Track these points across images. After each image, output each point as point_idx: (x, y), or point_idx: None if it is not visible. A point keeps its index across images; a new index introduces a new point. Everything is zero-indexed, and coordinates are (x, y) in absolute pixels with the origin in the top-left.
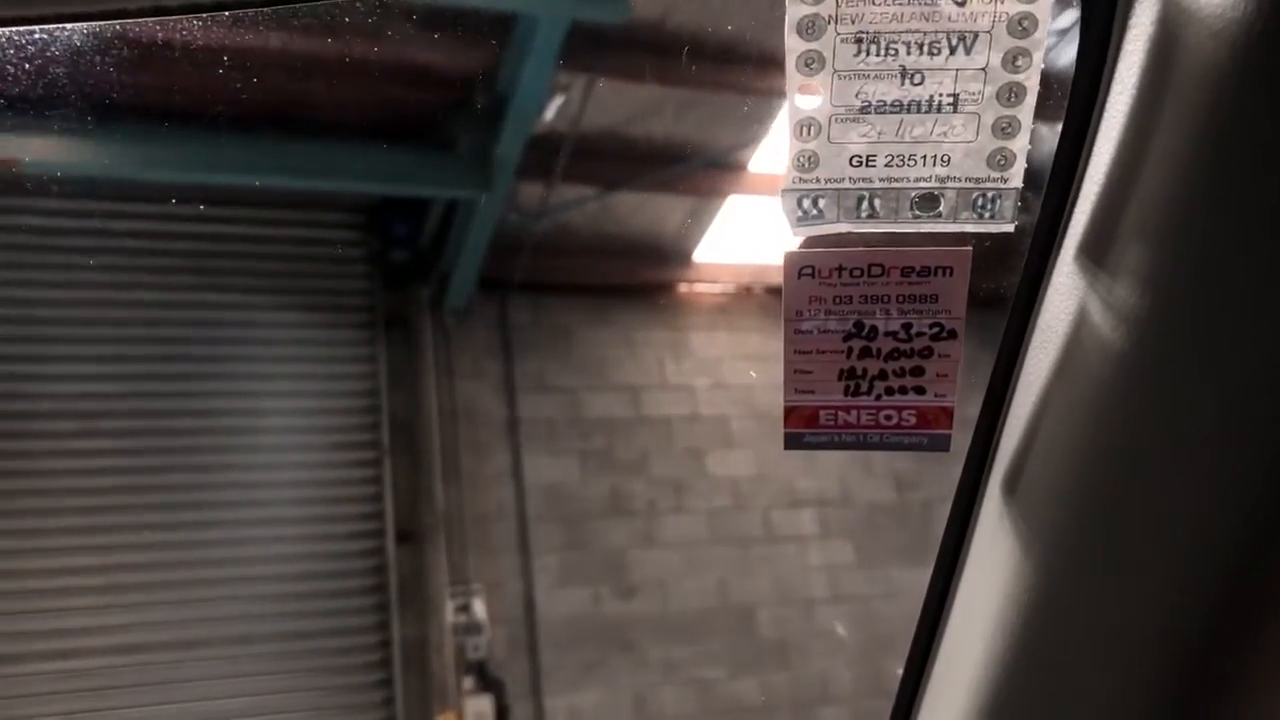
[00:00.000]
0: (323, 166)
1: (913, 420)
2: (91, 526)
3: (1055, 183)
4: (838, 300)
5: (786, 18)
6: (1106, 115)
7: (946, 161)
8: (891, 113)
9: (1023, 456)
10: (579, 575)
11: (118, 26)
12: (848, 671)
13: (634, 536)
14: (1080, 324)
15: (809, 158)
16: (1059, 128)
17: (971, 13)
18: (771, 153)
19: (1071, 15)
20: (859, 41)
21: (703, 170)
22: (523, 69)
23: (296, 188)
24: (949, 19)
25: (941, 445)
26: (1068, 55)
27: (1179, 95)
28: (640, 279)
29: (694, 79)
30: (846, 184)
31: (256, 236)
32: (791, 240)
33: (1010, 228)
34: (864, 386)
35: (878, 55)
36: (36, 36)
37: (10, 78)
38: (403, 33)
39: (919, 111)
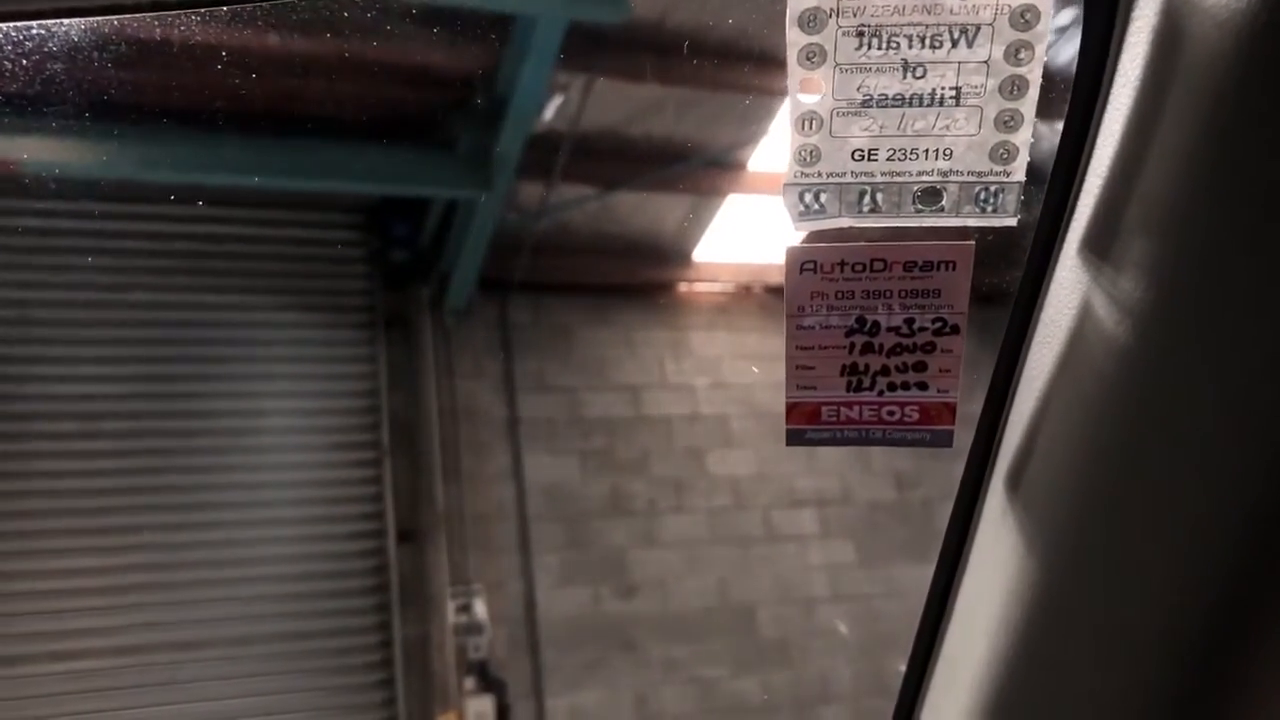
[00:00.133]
0: (322, 166)
1: (915, 416)
2: (92, 528)
3: (1058, 177)
4: (840, 295)
5: (787, 11)
6: (1109, 108)
7: (949, 155)
8: (893, 106)
9: (1025, 453)
10: (580, 575)
11: (115, 23)
12: (849, 670)
13: (634, 536)
14: (1083, 319)
15: (810, 152)
16: (1059, 124)
17: (974, 5)
18: (771, 151)
19: (1072, 12)
20: (860, 35)
21: (702, 169)
22: (522, 68)
23: (296, 188)
24: (951, 12)
25: (944, 441)
26: (1068, 53)
27: (1182, 88)
28: (640, 278)
29: (693, 78)
30: (848, 178)
31: (256, 237)
32: (792, 236)
33: (1013, 221)
34: (866, 382)
35: (879, 48)
36: (34, 34)
37: (8, 77)
38: (402, 32)
39: (921, 105)
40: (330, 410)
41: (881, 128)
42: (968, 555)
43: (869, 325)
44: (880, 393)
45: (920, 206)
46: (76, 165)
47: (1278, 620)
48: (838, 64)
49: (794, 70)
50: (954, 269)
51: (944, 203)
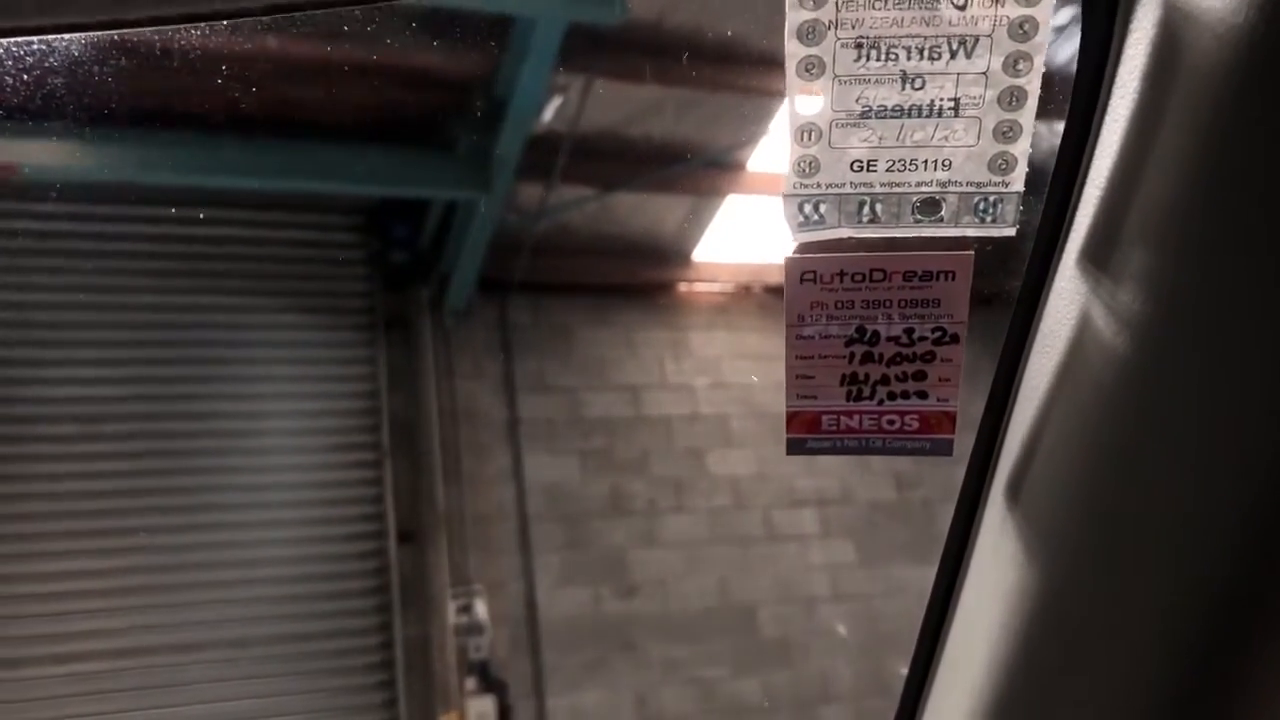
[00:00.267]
0: (322, 168)
1: (915, 425)
2: (92, 530)
3: (1056, 186)
4: (839, 305)
5: (786, 23)
6: (1108, 119)
7: (948, 166)
8: (892, 117)
9: (1025, 461)
10: (580, 575)
11: (115, 33)
12: (849, 670)
13: (635, 536)
14: (1082, 328)
15: (809, 163)
16: (1057, 124)
17: (972, 17)
18: (770, 152)
19: (1070, 11)
20: (859, 46)
21: (701, 170)
22: (521, 70)
23: (296, 189)
24: (949, 23)
25: (944, 450)
26: (1066, 51)
27: (1180, 99)
28: (640, 279)
29: (692, 79)
30: (847, 189)
31: (256, 239)
32: (791, 244)
33: (1012, 232)
34: (866, 391)
35: (878, 60)
36: (34, 43)
37: (8, 83)
38: (401, 35)
39: (920, 116)
40: (330, 411)
41: (880, 139)
42: (968, 562)
43: (869, 335)
44: (880, 402)
45: (919, 217)
46: (77, 168)
47: (1277, 623)
48: (836, 76)
49: (793, 81)
50: (953, 279)
51: (943, 213)
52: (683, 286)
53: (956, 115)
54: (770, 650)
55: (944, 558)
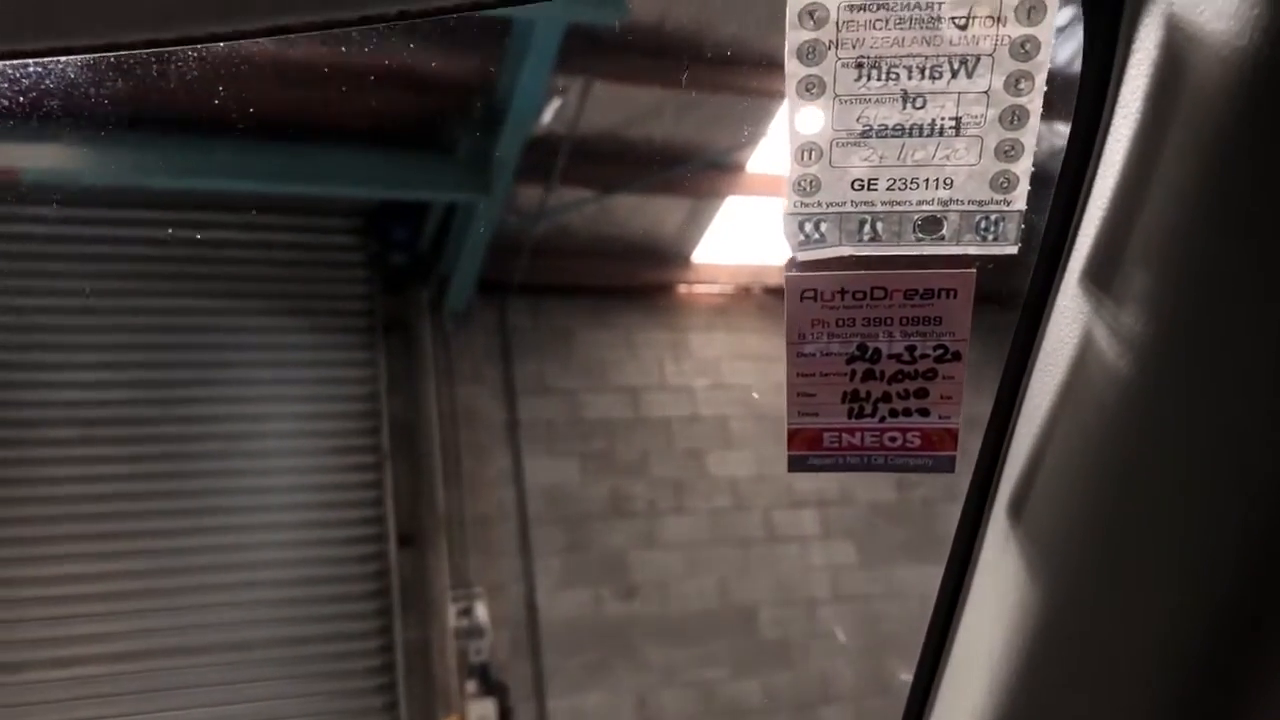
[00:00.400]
0: (321, 171)
1: (917, 442)
2: (93, 533)
3: (1059, 206)
4: (840, 323)
5: (786, 43)
6: (1110, 139)
7: (949, 184)
8: (893, 136)
9: (1028, 478)
10: (580, 577)
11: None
12: (850, 671)
13: (635, 538)
14: (1084, 348)
15: (810, 182)
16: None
17: (973, 36)
18: (769, 154)
19: (1071, 11)
20: (860, 66)
21: (701, 171)
22: (520, 72)
23: (295, 192)
24: (950, 43)
25: (946, 467)
26: (1066, 51)
27: (1183, 121)
28: (639, 280)
29: (692, 80)
30: (848, 207)
31: (256, 242)
32: (792, 260)
33: (1014, 250)
34: (868, 409)
35: (879, 79)
36: None
37: (7, 87)
38: (400, 37)
39: (921, 135)
40: (330, 414)
41: (881, 158)
42: (970, 579)
43: (870, 352)
44: (882, 419)
45: (921, 235)
46: (76, 172)
47: (1277, 643)
48: (837, 95)
49: (793, 101)
50: (955, 296)
51: (945, 231)
52: (682, 288)
53: (958, 134)
54: (771, 651)
55: (946, 574)
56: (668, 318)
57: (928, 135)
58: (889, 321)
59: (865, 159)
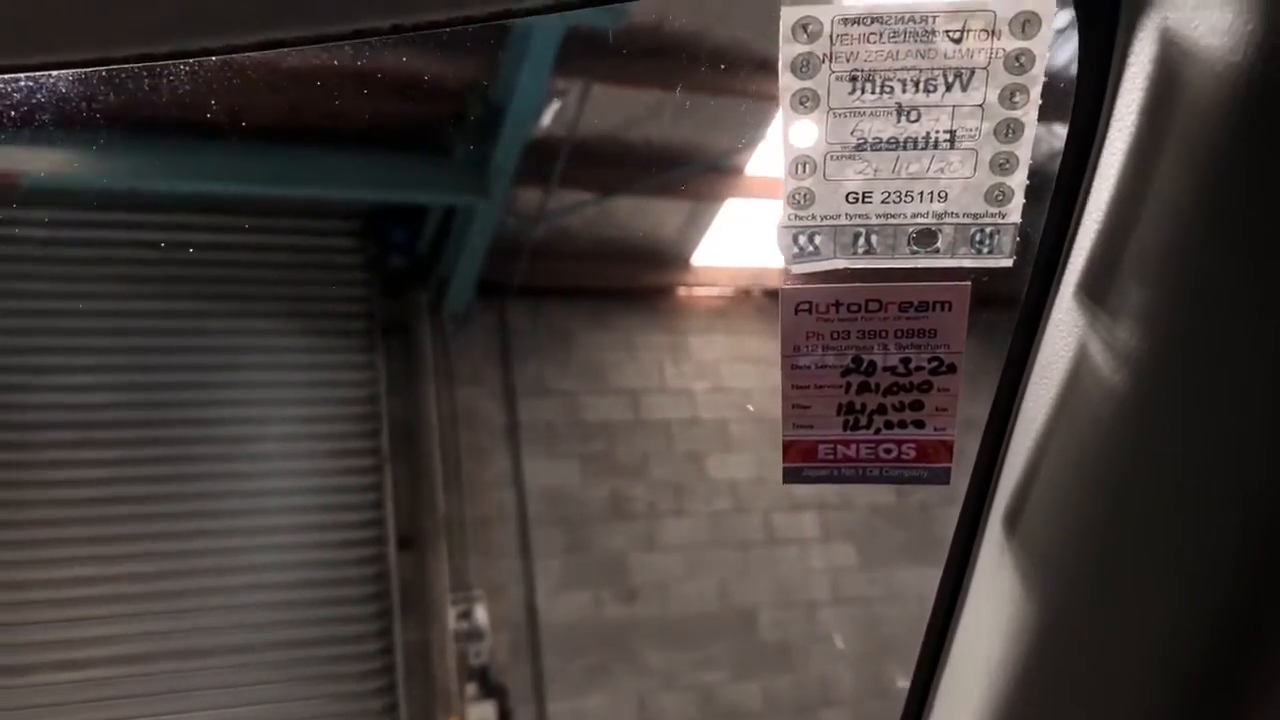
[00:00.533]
0: (320, 174)
1: (912, 454)
2: (92, 536)
3: (1054, 218)
4: (835, 336)
5: (780, 57)
6: (1105, 153)
7: (944, 197)
8: (888, 149)
9: (1023, 491)
10: (580, 579)
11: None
12: (850, 674)
13: (635, 540)
14: (1080, 361)
15: (804, 195)
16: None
17: (968, 49)
18: (769, 157)
19: (1069, 14)
20: (854, 79)
21: (700, 174)
22: (520, 74)
23: (294, 195)
24: (945, 56)
25: (941, 478)
26: (1062, 55)
27: (1177, 135)
28: (639, 283)
29: (691, 83)
30: (843, 220)
31: (254, 245)
32: (787, 274)
33: (1009, 262)
34: (863, 421)
35: (873, 93)
36: None
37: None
38: (398, 41)
39: (916, 148)
40: (330, 417)
41: (876, 171)
42: (966, 591)
43: (865, 365)
44: (877, 431)
45: (916, 248)
46: (74, 176)
47: (1273, 654)
48: (831, 108)
49: (787, 114)
50: (950, 309)
51: (939, 244)
52: (682, 290)
53: (953, 147)
54: (771, 654)
55: (942, 585)
56: (667, 320)
57: (922, 148)
58: (884, 334)
59: (860, 172)
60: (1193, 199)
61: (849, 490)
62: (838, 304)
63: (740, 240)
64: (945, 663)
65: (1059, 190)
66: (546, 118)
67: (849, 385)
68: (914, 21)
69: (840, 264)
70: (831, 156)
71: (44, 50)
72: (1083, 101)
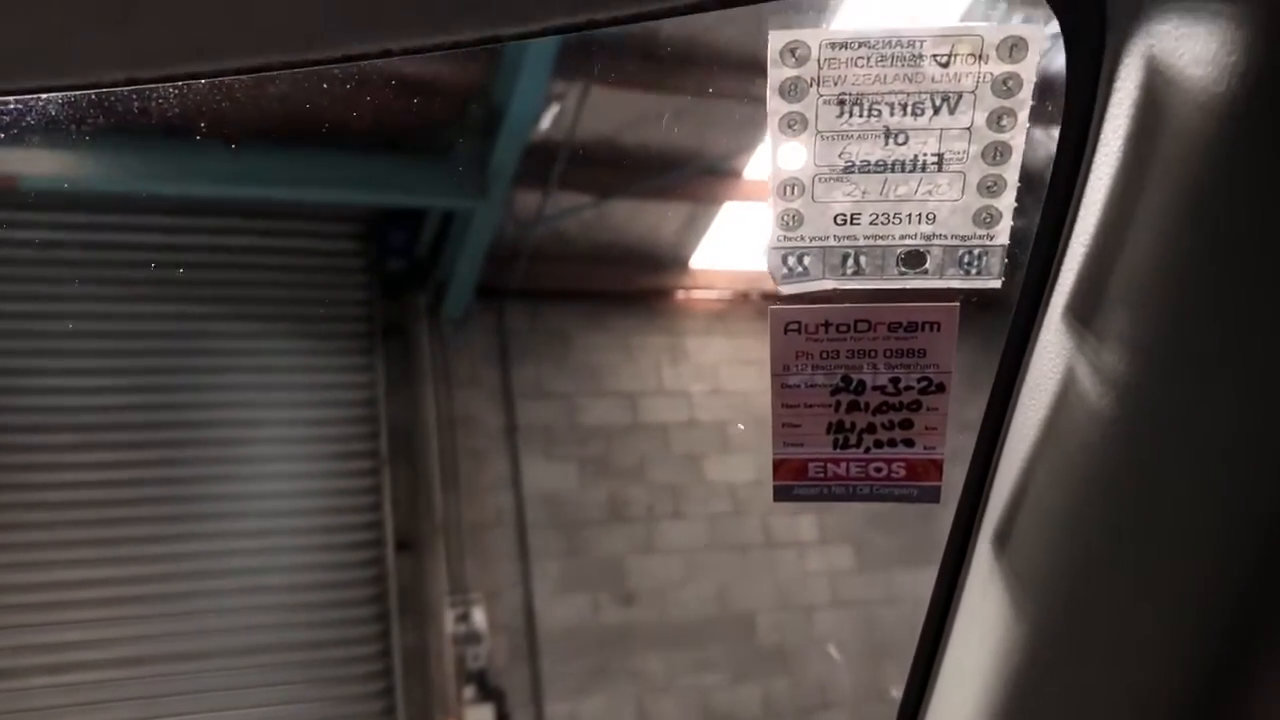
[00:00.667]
0: (320, 177)
1: (902, 472)
2: (90, 539)
3: (1042, 241)
4: (825, 355)
5: (768, 80)
6: (1092, 177)
7: (932, 219)
8: (876, 172)
9: (1011, 513)
10: (578, 582)
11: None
12: (848, 677)
13: (633, 543)
14: (1067, 384)
15: (793, 216)
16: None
17: (955, 74)
18: (768, 160)
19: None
20: (842, 103)
21: (699, 177)
22: (518, 78)
23: (293, 198)
24: (932, 80)
25: (931, 497)
26: (1055, 62)
27: (1162, 162)
28: (637, 285)
29: (689, 86)
30: (831, 241)
31: (253, 247)
32: (777, 294)
33: (997, 284)
34: (853, 439)
35: (861, 116)
36: None
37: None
38: None
39: (904, 170)
40: (328, 419)
41: (864, 193)
42: (955, 613)
43: (855, 384)
44: (867, 450)
45: (904, 269)
46: (73, 178)
47: (1262, 679)
48: (819, 131)
49: (775, 137)
50: (939, 330)
51: (928, 265)
52: (680, 293)
53: (940, 170)
54: (769, 657)
55: (932, 604)
56: (665, 323)
57: (910, 171)
58: (873, 354)
59: (848, 194)
60: (1178, 224)
61: None
62: (827, 324)
63: (738, 243)
64: (936, 678)
65: (1047, 214)
66: (545, 121)
67: (839, 404)
68: (901, 45)
69: (829, 285)
70: (820, 179)
71: (31, 76)
72: (1070, 124)
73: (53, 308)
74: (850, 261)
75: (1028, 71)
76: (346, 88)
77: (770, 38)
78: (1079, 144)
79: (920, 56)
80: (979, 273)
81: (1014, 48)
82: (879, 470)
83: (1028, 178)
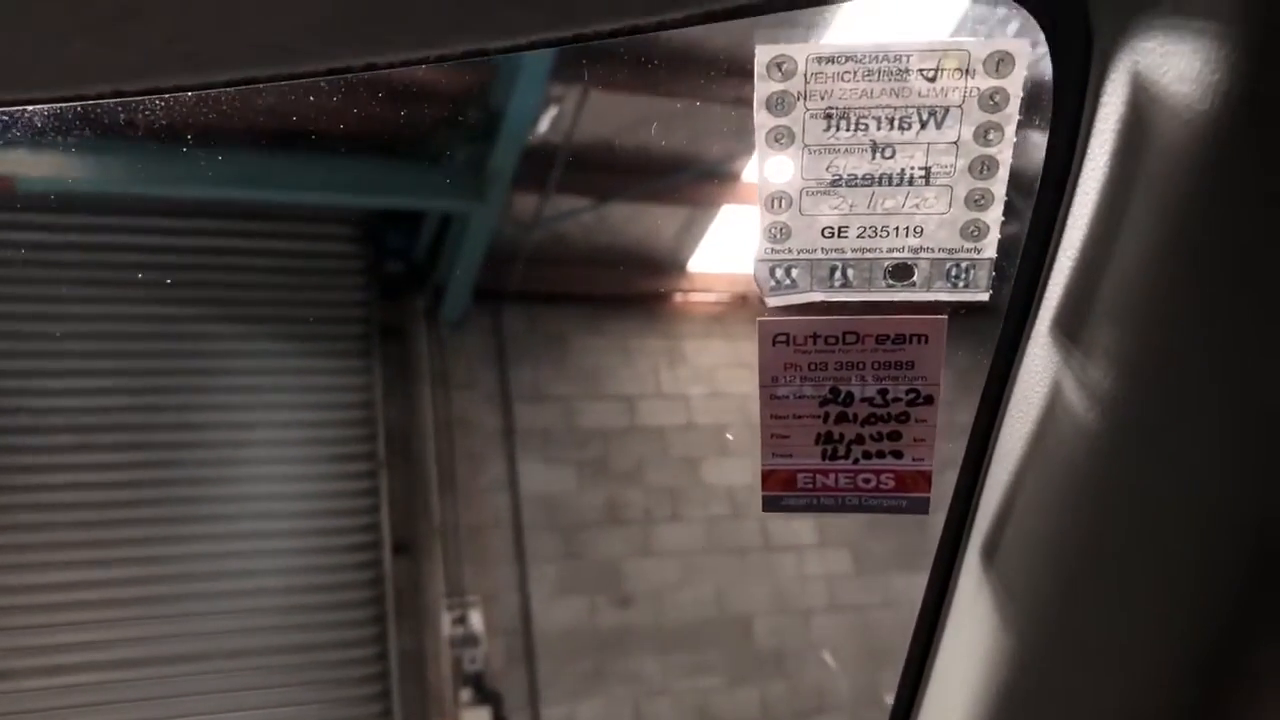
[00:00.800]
0: (318, 180)
1: (891, 483)
2: (86, 540)
3: (1030, 255)
4: (813, 367)
5: (755, 94)
6: (1079, 193)
7: (919, 233)
8: (863, 186)
9: (999, 526)
10: (576, 585)
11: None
12: (845, 680)
13: (630, 546)
14: (1054, 398)
15: (781, 229)
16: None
17: (942, 88)
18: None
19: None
20: (829, 117)
21: (697, 180)
22: (516, 81)
23: (291, 200)
24: (919, 94)
25: (920, 508)
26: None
27: (1148, 178)
28: (635, 288)
29: (687, 89)
30: (819, 254)
31: (251, 249)
32: (766, 307)
33: (985, 297)
34: (841, 450)
35: (848, 130)
36: None
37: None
38: None
39: (891, 184)
40: (325, 422)
41: (851, 206)
42: (944, 622)
43: (843, 396)
44: (855, 461)
45: (891, 282)
46: (70, 180)
47: (1247, 688)
48: (806, 145)
49: (762, 151)
50: (927, 342)
51: (915, 278)
52: (678, 296)
53: (928, 183)
54: (766, 660)
55: (920, 616)
56: (663, 326)
57: (897, 184)
58: (861, 366)
59: (835, 207)
60: (1162, 240)
61: None
62: (815, 336)
63: (736, 246)
64: (927, 686)
65: (1034, 228)
66: (543, 124)
67: (827, 415)
68: (888, 60)
69: (817, 297)
70: (807, 192)
71: (17, 87)
72: (1056, 140)
73: (49, 309)
74: (838, 274)
75: (1014, 86)
76: (345, 91)
77: (757, 52)
78: (1065, 159)
79: (907, 71)
80: (966, 286)
81: (1000, 62)
82: (867, 481)
83: (1014, 191)
